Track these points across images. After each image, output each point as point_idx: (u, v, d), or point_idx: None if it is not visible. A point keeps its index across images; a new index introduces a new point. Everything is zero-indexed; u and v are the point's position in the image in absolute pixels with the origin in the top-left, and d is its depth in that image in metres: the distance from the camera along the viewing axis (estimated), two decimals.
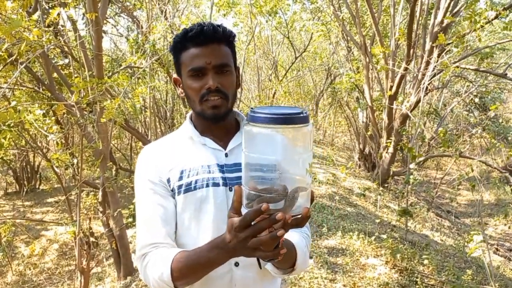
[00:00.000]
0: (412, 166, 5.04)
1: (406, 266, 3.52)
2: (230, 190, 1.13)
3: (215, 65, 1.10)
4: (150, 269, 1.06)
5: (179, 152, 1.18)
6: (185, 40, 1.11)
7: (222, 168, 1.15)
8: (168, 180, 1.14)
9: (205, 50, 1.09)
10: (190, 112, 1.24)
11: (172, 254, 1.03)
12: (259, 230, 0.82)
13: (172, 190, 1.14)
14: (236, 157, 1.17)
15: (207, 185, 1.12)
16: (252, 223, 0.82)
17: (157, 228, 1.11)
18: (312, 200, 0.85)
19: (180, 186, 1.13)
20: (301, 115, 0.81)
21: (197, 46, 1.10)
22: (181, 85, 1.18)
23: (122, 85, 3.53)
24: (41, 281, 5.54)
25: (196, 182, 1.12)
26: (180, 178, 1.13)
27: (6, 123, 2.42)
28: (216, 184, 1.13)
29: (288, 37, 10.79)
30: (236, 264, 1.14)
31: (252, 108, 0.84)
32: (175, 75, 1.21)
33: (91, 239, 3.77)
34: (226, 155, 1.17)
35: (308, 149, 0.84)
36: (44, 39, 2.81)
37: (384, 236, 3.95)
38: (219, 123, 1.16)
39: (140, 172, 1.19)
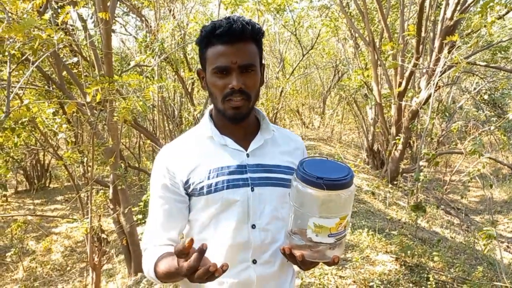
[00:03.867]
0: (421, 163, 5.01)
1: (416, 262, 3.51)
2: (252, 190, 1.15)
3: (240, 65, 1.09)
4: (143, 264, 1.15)
5: (199, 153, 1.18)
6: (212, 36, 1.10)
7: (244, 168, 1.16)
8: (187, 182, 1.16)
9: (232, 49, 1.08)
10: (210, 107, 1.25)
11: (157, 255, 1.10)
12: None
13: (193, 191, 1.16)
14: (258, 159, 1.19)
15: (228, 187, 1.14)
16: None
17: (156, 232, 1.18)
18: (334, 261, 1.02)
19: (201, 188, 1.14)
20: (346, 180, 0.97)
21: (224, 44, 1.09)
22: (204, 78, 1.18)
23: (133, 84, 3.56)
24: (52, 278, 5.59)
25: (216, 184, 1.14)
26: (202, 179, 1.15)
27: (20, 121, 2.46)
28: (237, 186, 1.14)
29: (295, 35, 10.77)
30: (254, 262, 1.16)
31: (302, 164, 1.00)
32: (199, 67, 1.21)
33: (102, 235, 3.80)
34: (248, 155, 1.18)
35: (347, 209, 1.01)
36: (56, 38, 2.84)
37: (394, 233, 3.94)
38: (239, 123, 1.17)
39: (154, 174, 1.21)
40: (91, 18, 5.63)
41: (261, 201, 1.16)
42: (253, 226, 1.15)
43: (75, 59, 4.69)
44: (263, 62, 1.21)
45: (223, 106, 1.13)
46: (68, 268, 5.91)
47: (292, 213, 1.02)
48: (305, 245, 1.00)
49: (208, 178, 1.14)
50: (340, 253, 1.03)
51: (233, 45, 1.08)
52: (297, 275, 3.20)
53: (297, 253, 1.00)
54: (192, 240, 0.88)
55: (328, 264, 1.03)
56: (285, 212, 1.22)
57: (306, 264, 1.04)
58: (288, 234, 1.05)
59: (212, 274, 0.87)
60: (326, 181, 0.94)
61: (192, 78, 6.41)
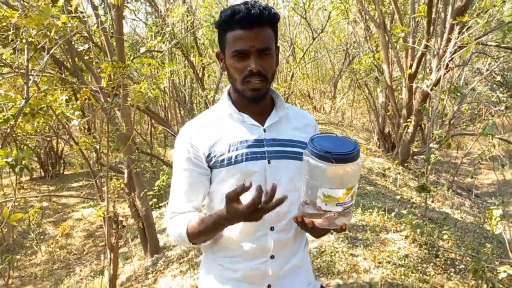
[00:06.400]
0: (432, 145, 5.02)
1: (425, 240, 3.57)
2: (269, 163, 1.25)
3: (258, 48, 1.17)
4: (172, 229, 1.24)
5: (220, 129, 1.28)
6: (231, 21, 1.17)
7: (261, 142, 1.26)
8: (209, 155, 1.25)
9: (250, 34, 1.16)
10: (228, 86, 1.34)
11: (188, 218, 1.21)
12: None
13: (214, 163, 1.25)
14: (274, 133, 1.29)
15: (247, 159, 1.23)
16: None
17: (181, 201, 1.28)
18: (342, 228, 1.12)
19: (222, 160, 1.24)
20: (353, 153, 1.03)
21: (243, 29, 1.17)
22: (223, 60, 1.26)
23: (146, 70, 3.61)
24: (70, 261, 5.76)
25: (236, 156, 1.23)
26: (222, 153, 1.24)
27: (39, 107, 2.53)
28: (255, 158, 1.24)
29: (305, 18, 10.71)
30: (272, 228, 1.26)
31: (312, 140, 1.08)
32: (218, 50, 1.29)
33: (119, 217, 3.91)
34: (264, 130, 1.28)
35: (354, 180, 1.07)
36: (70, 25, 2.89)
37: (404, 212, 3.99)
38: (257, 103, 1.26)
39: (177, 149, 1.31)
40: (101, 4, 5.68)
41: (278, 172, 1.25)
42: None
43: (86, 46, 4.76)
44: (277, 44, 1.29)
45: (242, 87, 1.22)
46: (85, 252, 6.08)
47: (304, 185, 1.11)
48: (315, 214, 1.09)
49: (229, 151, 1.24)
50: (347, 221, 1.12)
51: (252, 29, 1.16)
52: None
53: (308, 220, 1.10)
54: (251, 183, 1.00)
55: (337, 230, 1.12)
56: (300, 183, 1.30)
57: (316, 231, 1.15)
58: (301, 204, 1.14)
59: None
60: (334, 155, 1.02)
61: (203, 63, 6.45)
